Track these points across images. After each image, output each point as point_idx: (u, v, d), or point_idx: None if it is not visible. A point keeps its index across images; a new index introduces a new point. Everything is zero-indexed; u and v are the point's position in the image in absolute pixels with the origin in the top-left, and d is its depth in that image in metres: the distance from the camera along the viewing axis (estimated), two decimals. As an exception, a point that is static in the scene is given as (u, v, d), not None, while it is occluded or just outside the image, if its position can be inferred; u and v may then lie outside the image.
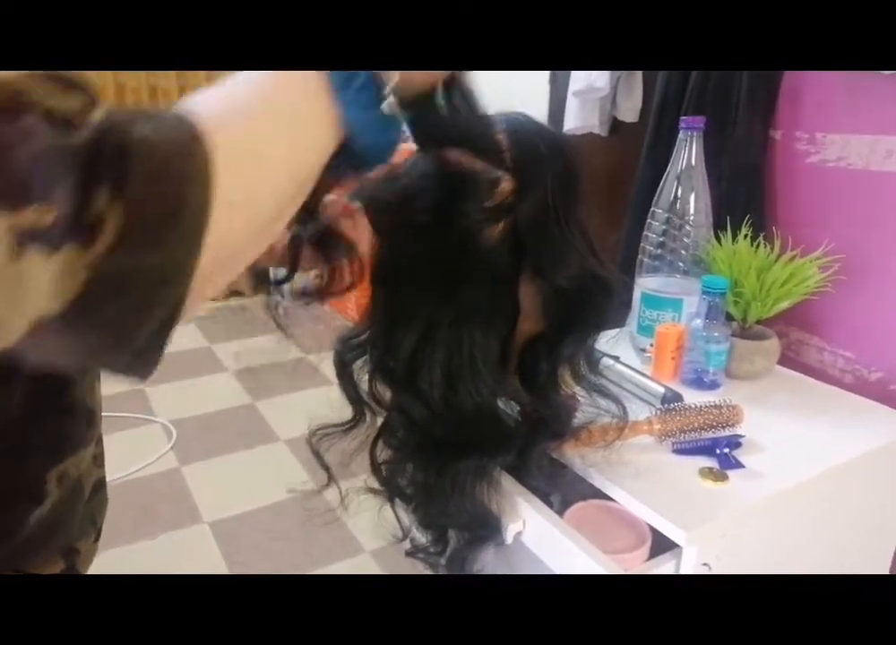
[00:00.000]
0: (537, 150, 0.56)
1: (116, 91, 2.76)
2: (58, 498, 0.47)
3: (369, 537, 1.53)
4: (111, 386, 2.53)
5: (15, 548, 0.45)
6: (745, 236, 0.96)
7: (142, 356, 0.31)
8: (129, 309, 0.29)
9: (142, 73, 2.84)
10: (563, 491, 0.76)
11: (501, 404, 0.63)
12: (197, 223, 0.29)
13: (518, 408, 0.65)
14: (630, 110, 1.72)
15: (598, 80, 1.65)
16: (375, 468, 0.66)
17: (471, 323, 0.55)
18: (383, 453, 0.66)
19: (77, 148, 0.26)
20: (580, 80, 1.69)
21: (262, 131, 0.34)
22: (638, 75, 1.69)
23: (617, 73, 1.69)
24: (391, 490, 0.68)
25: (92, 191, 0.26)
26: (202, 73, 2.93)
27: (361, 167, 0.41)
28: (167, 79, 2.89)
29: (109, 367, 0.31)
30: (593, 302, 0.59)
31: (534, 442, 0.65)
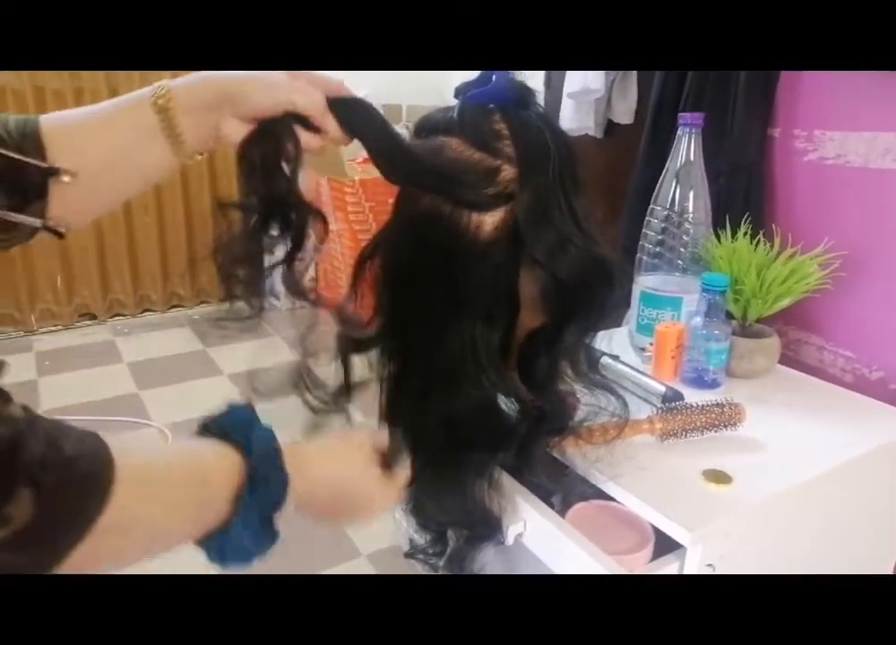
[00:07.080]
0: (541, 137, 0.55)
1: (75, 95, 2.68)
2: None
3: (366, 540, 1.51)
4: (106, 390, 2.44)
5: None
6: (745, 233, 0.96)
7: None
8: None
9: (101, 76, 2.72)
10: (564, 491, 0.75)
11: (502, 400, 0.62)
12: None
13: (518, 405, 0.64)
14: (625, 112, 1.72)
15: (593, 82, 1.64)
16: None
17: (473, 317, 0.54)
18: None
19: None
20: (575, 82, 1.68)
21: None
22: (633, 77, 1.69)
23: (612, 74, 1.69)
24: None
25: (13, 490, 0.30)
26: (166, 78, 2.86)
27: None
28: (129, 81, 2.77)
29: None
30: (593, 291, 0.58)
31: (535, 438, 0.64)
